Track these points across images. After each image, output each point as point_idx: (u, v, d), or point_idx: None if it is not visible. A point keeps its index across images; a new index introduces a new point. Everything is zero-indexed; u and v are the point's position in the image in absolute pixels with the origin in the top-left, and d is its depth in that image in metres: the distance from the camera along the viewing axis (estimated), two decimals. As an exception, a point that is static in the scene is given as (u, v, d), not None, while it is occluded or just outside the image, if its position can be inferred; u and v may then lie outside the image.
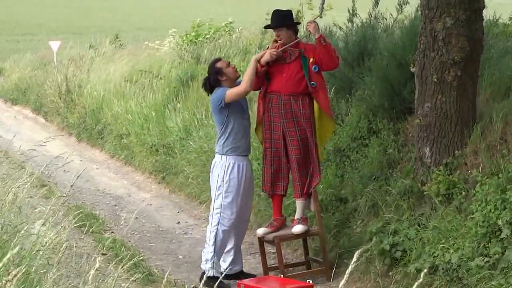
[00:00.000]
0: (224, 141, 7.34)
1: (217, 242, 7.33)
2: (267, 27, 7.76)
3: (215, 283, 7.32)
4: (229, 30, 16.35)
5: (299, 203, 7.40)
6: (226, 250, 7.52)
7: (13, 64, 25.61)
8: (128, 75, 15.99)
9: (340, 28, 10.07)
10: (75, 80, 17.49)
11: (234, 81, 7.40)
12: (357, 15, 9.88)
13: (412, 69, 7.41)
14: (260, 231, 7.45)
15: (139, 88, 14.72)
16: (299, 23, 7.62)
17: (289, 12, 7.42)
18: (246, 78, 7.24)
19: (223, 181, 7.34)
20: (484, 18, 7.39)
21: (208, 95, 7.63)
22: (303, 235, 7.50)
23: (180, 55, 15.24)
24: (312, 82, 7.19)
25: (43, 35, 36.04)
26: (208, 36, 16.01)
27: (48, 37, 30.50)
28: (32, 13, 49.71)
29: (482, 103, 7.40)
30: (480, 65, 7.32)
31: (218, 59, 7.63)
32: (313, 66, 7.19)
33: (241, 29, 16.55)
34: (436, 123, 7.13)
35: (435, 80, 7.08)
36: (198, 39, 16.00)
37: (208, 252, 7.37)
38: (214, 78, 7.41)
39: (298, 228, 7.32)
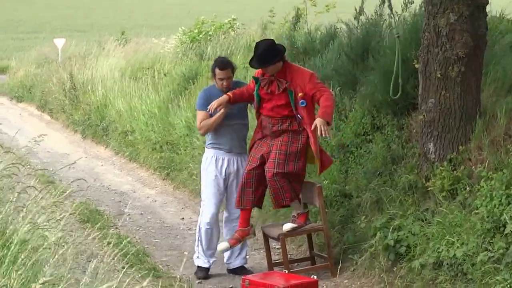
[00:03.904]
0: (208, 136, 7.54)
1: (201, 233, 7.48)
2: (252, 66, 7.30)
3: (201, 271, 7.43)
4: (232, 27, 16.31)
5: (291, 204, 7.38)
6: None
7: (18, 62, 25.64)
8: (132, 72, 16.00)
9: (346, 24, 10.07)
10: (80, 77, 17.51)
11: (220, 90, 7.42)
12: (364, 13, 9.87)
13: (416, 65, 7.41)
14: (287, 226, 7.33)
15: (143, 85, 14.74)
16: (279, 55, 7.06)
17: (269, 48, 7.09)
18: (209, 123, 7.37)
19: (203, 173, 7.52)
20: (488, 14, 7.38)
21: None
22: (307, 231, 7.51)
23: (184, 52, 15.24)
24: (299, 116, 7.16)
25: (48, 33, 36.08)
26: (210, 33, 15.98)
27: (52, 35, 30.55)
28: (36, 11, 49.76)
29: (486, 99, 7.39)
30: (484, 61, 7.32)
31: (223, 65, 7.42)
32: (301, 101, 7.09)
33: (243, 25, 16.50)
34: (440, 119, 7.13)
35: (439, 75, 7.08)
36: (200, 36, 15.98)
37: (196, 242, 7.58)
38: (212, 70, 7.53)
39: (286, 226, 7.31)
